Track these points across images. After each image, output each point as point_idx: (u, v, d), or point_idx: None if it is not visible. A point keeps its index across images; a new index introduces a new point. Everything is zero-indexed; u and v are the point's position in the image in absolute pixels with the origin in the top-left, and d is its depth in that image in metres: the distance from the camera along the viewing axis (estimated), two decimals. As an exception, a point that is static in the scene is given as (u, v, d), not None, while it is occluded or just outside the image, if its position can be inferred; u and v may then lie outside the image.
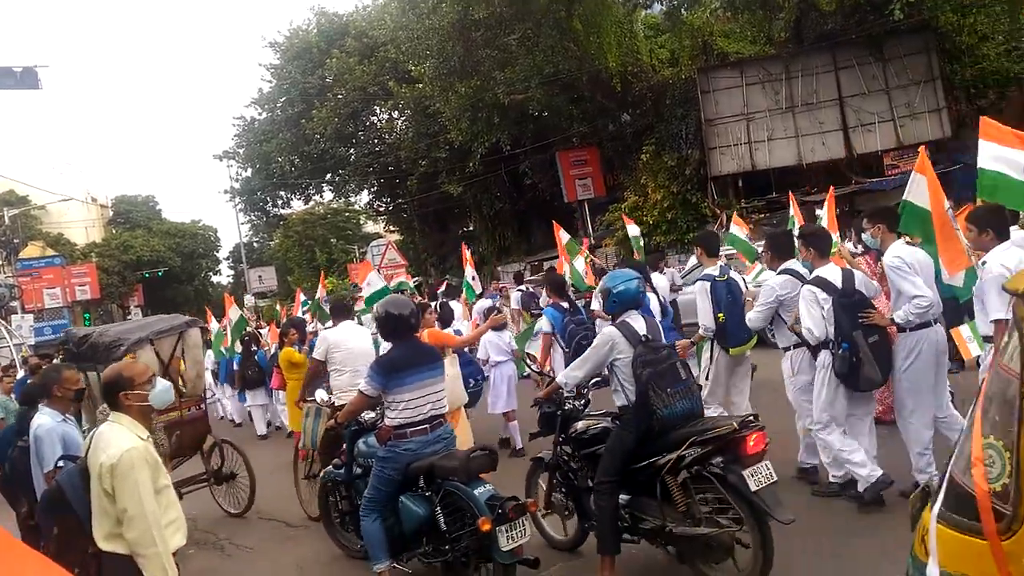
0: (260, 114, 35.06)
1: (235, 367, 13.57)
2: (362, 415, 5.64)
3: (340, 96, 30.77)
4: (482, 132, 24.00)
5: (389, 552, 5.02)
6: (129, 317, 53.78)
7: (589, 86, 23.26)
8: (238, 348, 13.47)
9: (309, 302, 17.63)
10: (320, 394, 6.55)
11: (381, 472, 5.03)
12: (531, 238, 30.03)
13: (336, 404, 6.22)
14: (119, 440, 3.51)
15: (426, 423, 4.97)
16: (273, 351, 12.23)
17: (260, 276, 45.58)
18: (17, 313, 31.01)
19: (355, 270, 38.60)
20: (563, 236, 11.82)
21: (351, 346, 7.15)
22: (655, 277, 9.72)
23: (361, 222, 49.65)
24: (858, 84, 19.85)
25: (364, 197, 38.59)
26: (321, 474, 6.26)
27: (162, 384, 3.86)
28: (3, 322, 27.28)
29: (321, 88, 31.39)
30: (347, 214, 47.98)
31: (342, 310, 7.73)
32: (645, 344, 4.72)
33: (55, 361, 9.46)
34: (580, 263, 11.71)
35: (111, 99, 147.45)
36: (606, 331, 4.93)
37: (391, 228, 41.63)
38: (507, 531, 4.45)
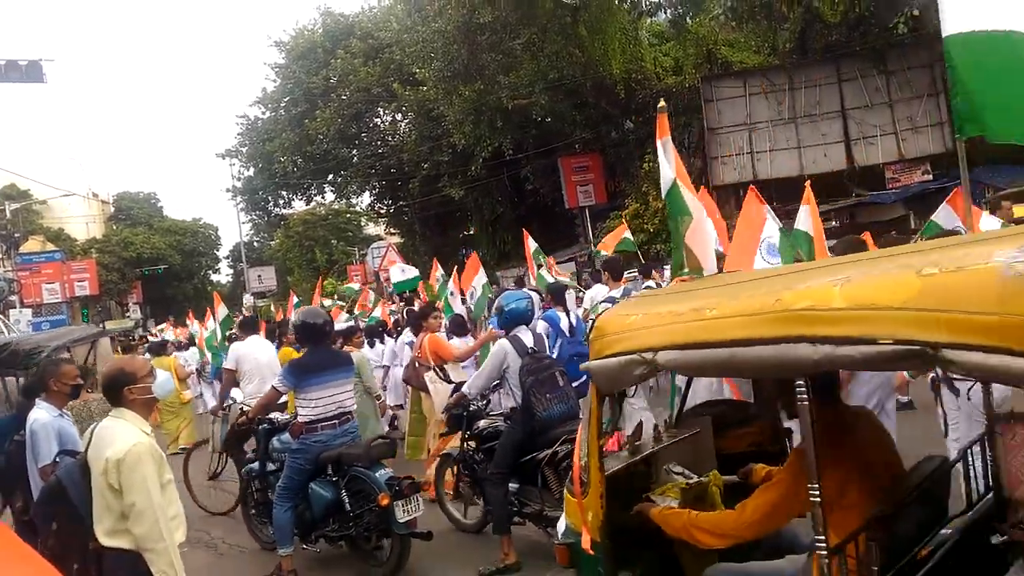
0: (264, 113, 35.15)
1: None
2: (276, 417, 6.41)
3: (344, 97, 30.83)
4: (485, 136, 24.04)
5: (292, 540, 5.81)
6: (128, 314, 53.79)
7: (593, 92, 23.30)
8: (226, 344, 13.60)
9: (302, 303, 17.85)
10: (236, 393, 7.82)
11: (294, 463, 5.75)
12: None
13: (245, 408, 6.98)
14: (124, 435, 3.52)
15: (335, 419, 5.75)
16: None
17: (259, 276, 45.63)
18: (15, 307, 30.99)
19: (355, 271, 38.70)
20: (531, 244, 12.13)
21: (258, 357, 8.11)
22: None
23: (362, 224, 49.67)
24: (861, 96, 19.87)
25: (366, 199, 38.65)
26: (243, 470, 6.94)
27: (162, 375, 3.89)
28: (1, 316, 27.26)
29: (325, 88, 31.45)
30: (348, 215, 48.00)
31: (250, 325, 8.92)
32: (531, 356, 5.53)
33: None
34: (546, 272, 12.09)
35: (115, 95, 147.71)
36: (500, 343, 5.78)
37: (392, 230, 41.66)
38: (403, 505, 5.29)
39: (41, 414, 5.17)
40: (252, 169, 35.90)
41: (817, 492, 2.17)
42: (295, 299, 18.93)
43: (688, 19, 22.60)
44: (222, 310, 15.20)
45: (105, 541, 3.47)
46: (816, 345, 1.99)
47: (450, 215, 33.66)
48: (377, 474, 5.50)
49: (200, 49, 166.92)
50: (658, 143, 5.07)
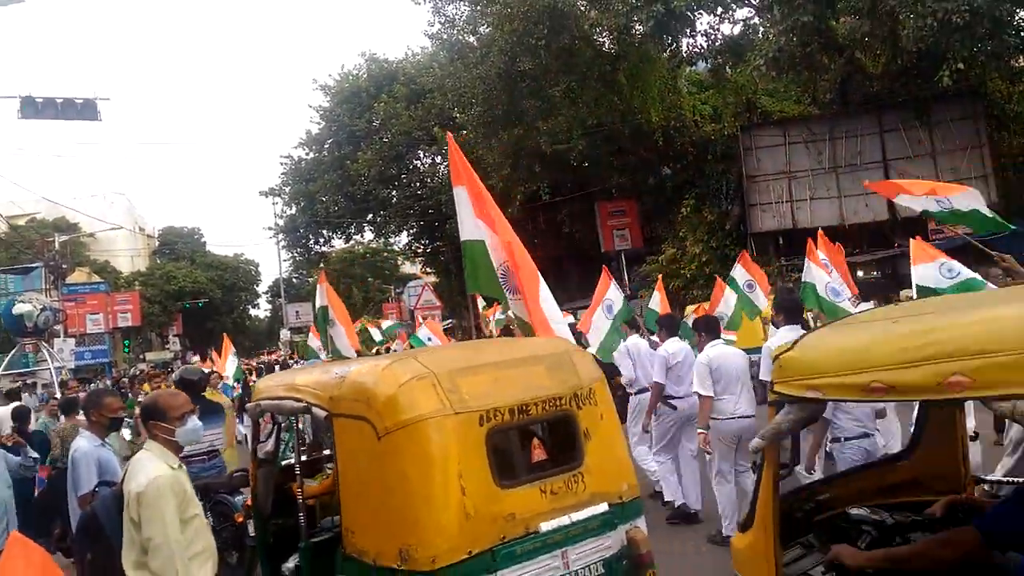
0: (307, 154, 35.85)
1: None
2: None
3: (386, 139, 31.39)
4: (523, 179, 24.25)
5: None
6: (167, 346, 54.62)
7: (631, 139, 23.44)
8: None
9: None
10: (124, 432, 8.71)
11: None
12: (567, 286, 30.02)
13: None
14: (148, 468, 3.53)
15: (205, 455, 7.17)
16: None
17: (297, 312, 46.10)
18: (59, 336, 31.63)
19: (390, 309, 38.94)
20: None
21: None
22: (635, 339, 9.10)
23: (399, 263, 50.12)
24: (903, 147, 19.72)
25: (403, 238, 39.04)
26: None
27: (193, 423, 3.84)
28: (45, 344, 27.84)
29: (368, 131, 32.06)
30: (386, 254, 48.49)
31: (69, 407, 9.36)
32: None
33: (95, 386, 9.71)
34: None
35: (165, 133, 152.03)
36: None
37: (428, 270, 41.95)
38: (254, 523, 5.53)
39: (83, 443, 5.25)
40: (294, 207, 36.53)
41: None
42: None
43: (728, 69, 22.73)
44: (231, 364, 15.77)
45: (131, 574, 3.47)
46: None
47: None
48: (236, 499, 6.80)
49: (248, 91, 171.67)
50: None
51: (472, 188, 6.02)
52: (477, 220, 5.80)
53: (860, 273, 19.72)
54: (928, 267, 7.14)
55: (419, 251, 39.48)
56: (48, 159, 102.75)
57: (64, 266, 40.00)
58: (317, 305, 11.34)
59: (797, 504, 3.31)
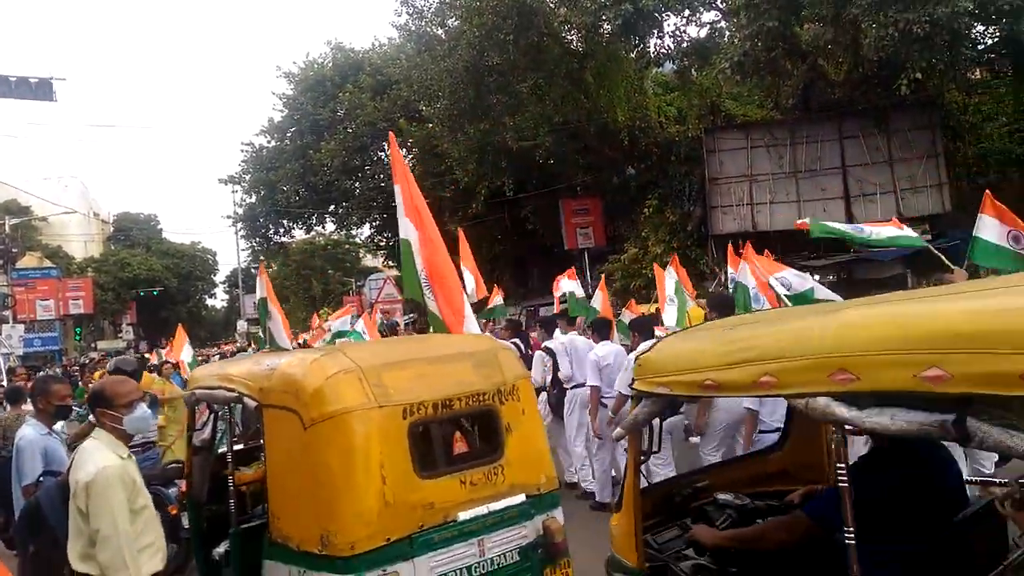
0: (269, 142, 35.38)
1: None
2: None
3: (350, 130, 31.10)
4: (487, 175, 24.20)
5: None
6: (120, 335, 53.53)
7: (596, 137, 23.54)
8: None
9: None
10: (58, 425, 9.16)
11: None
12: (528, 283, 30.08)
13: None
14: (96, 458, 3.42)
15: (140, 446, 7.22)
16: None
17: (255, 302, 45.53)
18: (8, 323, 30.81)
19: (351, 302, 38.65)
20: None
21: None
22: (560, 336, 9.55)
23: (361, 255, 49.75)
24: (862, 154, 20.09)
25: (365, 231, 38.75)
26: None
27: (141, 410, 3.73)
28: (-7, 330, 27.11)
29: (332, 121, 31.73)
30: (347, 246, 48.09)
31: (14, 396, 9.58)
32: None
33: (44, 374, 9.49)
34: None
35: (122, 115, 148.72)
36: None
37: (390, 263, 41.71)
38: (188, 511, 5.61)
39: (28, 431, 5.10)
40: (254, 196, 36.03)
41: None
42: None
43: (694, 71, 22.93)
44: (187, 352, 15.47)
45: (77, 566, 3.36)
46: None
47: (449, 251, 33.69)
48: (170, 491, 6.79)
49: (208, 76, 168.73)
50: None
51: (405, 187, 6.26)
52: (406, 218, 6.05)
53: (817, 277, 20.01)
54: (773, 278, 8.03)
55: (381, 244, 39.23)
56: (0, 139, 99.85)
57: (14, 250, 38.97)
58: (257, 297, 11.48)
59: (677, 490, 3.71)
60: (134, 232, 58.88)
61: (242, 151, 36.40)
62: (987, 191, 8.62)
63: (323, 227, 39.58)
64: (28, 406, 8.75)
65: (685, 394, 2.82)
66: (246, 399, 4.07)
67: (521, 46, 20.67)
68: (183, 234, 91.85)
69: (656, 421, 2.99)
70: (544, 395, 8.62)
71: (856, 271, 19.07)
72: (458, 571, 3.80)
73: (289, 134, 34.07)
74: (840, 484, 2.30)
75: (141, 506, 3.50)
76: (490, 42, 20.56)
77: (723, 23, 21.38)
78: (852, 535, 2.27)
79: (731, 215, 20.89)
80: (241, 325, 44.33)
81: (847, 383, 2.12)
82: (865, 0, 15.17)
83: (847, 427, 2.20)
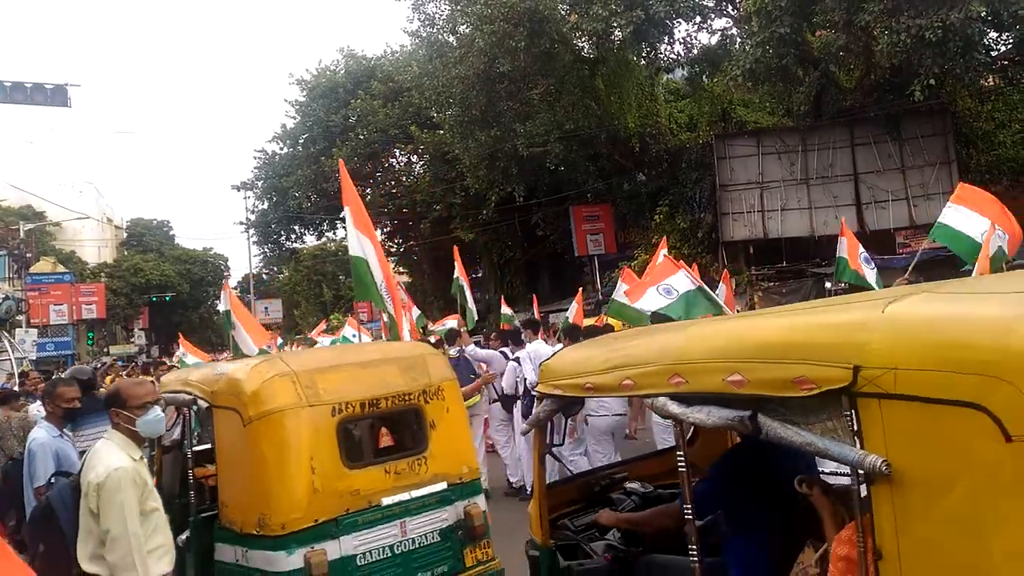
0: (282, 149, 35.52)
1: None
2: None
3: (362, 137, 31.20)
4: (498, 181, 24.23)
5: None
6: (132, 340, 53.82)
7: (607, 144, 23.54)
8: None
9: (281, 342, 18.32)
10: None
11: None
12: (538, 289, 30.07)
13: None
14: (108, 459, 3.43)
15: None
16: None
17: (267, 308, 45.74)
18: (21, 327, 31.03)
19: (361, 308, 38.70)
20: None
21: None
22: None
23: (371, 262, 49.87)
24: (874, 161, 20.01)
25: (377, 236, 38.84)
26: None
27: (155, 413, 3.72)
28: (6, 335, 27.30)
29: (344, 128, 31.84)
30: (358, 253, 48.19)
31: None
32: None
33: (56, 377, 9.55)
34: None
35: (136, 122, 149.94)
36: None
37: (400, 269, 41.78)
38: None
39: (40, 434, 5.15)
40: (267, 203, 36.18)
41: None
42: (279, 340, 19.27)
43: (705, 78, 22.92)
44: (189, 359, 15.71)
45: (86, 566, 3.37)
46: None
47: (460, 257, 33.72)
48: None
49: (221, 83, 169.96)
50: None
51: (355, 208, 7.01)
52: (361, 236, 6.75)
53: (828, 285, 19.96)
54: (650, 291, 8.51)
55: (392, 250, 39.30)
56: (14, 145, 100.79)
57: (29, 255, 39.28)
58: (221, 310, 12.45)
59: (597, 480, 4.18)
60: (147, 238, 59.20)
61: (255, 158, 36.59)
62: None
63: (334, 233, 39.70)
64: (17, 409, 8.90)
65: (573, 395, 3.18)
66: (200, 401, 4.59)
67: (532, 53, 20.71)
68: (196, 240, 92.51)
69: (562, 418, 3.52)
70: (519, 403, 9.00)
71: (868, 278, 18.95)
72: (380, 549, 4.34)
73: (301, 141, 34.20)
74: (680, 469, 2.78)
75: (151, 508, 3.52)
76: (501, 49, 20.61)
77: (734, 30, 21.38)
78: (689, 512, 2.76)
79: (742, 222, 20.83)
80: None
81: (679, 385, 2.58)
82: (877, 6, 15.12)
83: (680, 420, 2.64)
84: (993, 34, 17.67)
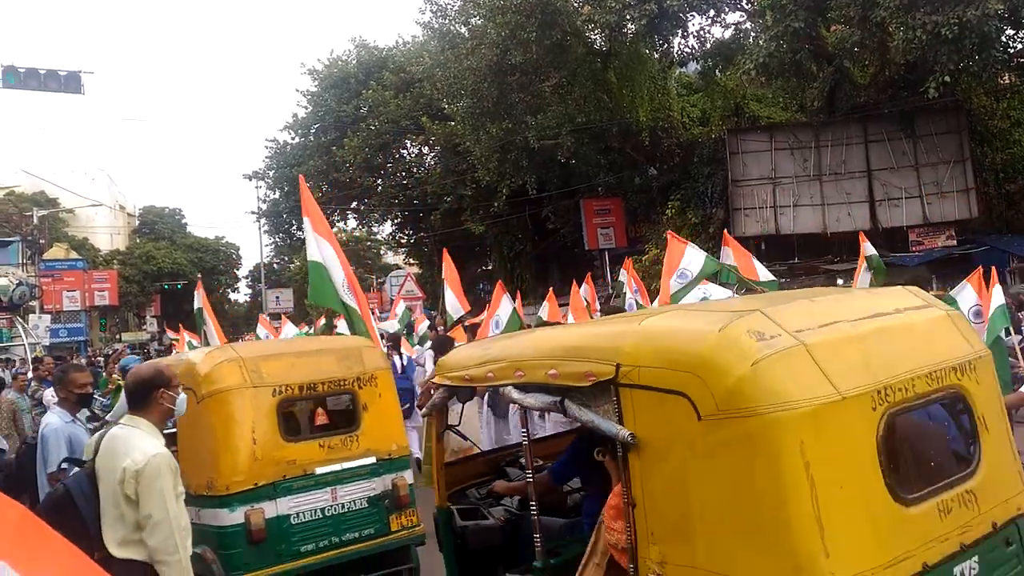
0: (293, 139, 35.59)
1: None
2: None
3: (373, 127, 31.22)
4: (509, 173, 24.21)
5: None
6: (144, 327, 54.12)
7: (619, 138, 23.48)
8: None
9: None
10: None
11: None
12: (549, 282, 30.06)
13: None
14: (144, 445, 3.48)
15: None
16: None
17: (277, 297, 45.79)
18: (35, 313, 31.24)
19: (372, 299, 38.79)
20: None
21: None
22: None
23: (382, 252, 49.93)
24: (887, 158, 19.89)
25: (387, 228, 38.85)
26: None
27: (183, 394, 3.86)
28: (20, 320, 27.51)
29: (355, 118, 31.87)
30: (369, 243, 48.28)
31: None
32: None
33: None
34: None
35: (149, 110, 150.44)
36: None
37: (411, 261, 41.81)
38: None
39: (53, 419, 5.17)
40: (278, 192, 36.27)
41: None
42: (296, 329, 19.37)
43: (718, 72, 22.80)
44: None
45: (116, 552, 3.40)
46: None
47: (470, 249, 33.74)
48: None
49: (234, 72, 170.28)
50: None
51: (315, 217, 7.48)
52: (320, 241, 7.16)
53: (840, 281, 19.87)
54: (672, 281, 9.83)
55: (402, 241, 39.34)
56: (28, 131, 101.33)
57: (42, 241, 39.49)
58: (195, 307, 13.13)
59: (501, 457, 4.80)
60: (159, 226, 59.36)
61: (266, 147, 36.67)
62: None
63: (345, 223, 39.77)
64: (10, 395, 9.00)
65: (458, 384, 3.69)
66: None
67: (544, 45, 20.66)
68: (208, 228, 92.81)
69: (459, 404, 4.03)
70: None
71: (879, 276, 18.86)
72: (312, 511, 5.08)
73: (313, 130, 34.26)
74: (523, 443, 3.42)
75: (180, 492, 3.59)
76: (513, 41, 20.57)
77: (748, 24, 21.25)
78: (531, 475, 3.46)
79: (754, 217, 20.75)
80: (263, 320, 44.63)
81: (520, 378, 3.17)
82: (893, 2, 15.00)
83: (520, 404, 3.21)
84: (1010, 31, 17.52)
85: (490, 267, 34.35)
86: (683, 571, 2.50)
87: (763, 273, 11.02)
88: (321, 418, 5.95)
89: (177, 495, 3.53)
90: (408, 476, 5.54)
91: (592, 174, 25.48)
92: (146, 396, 3.65)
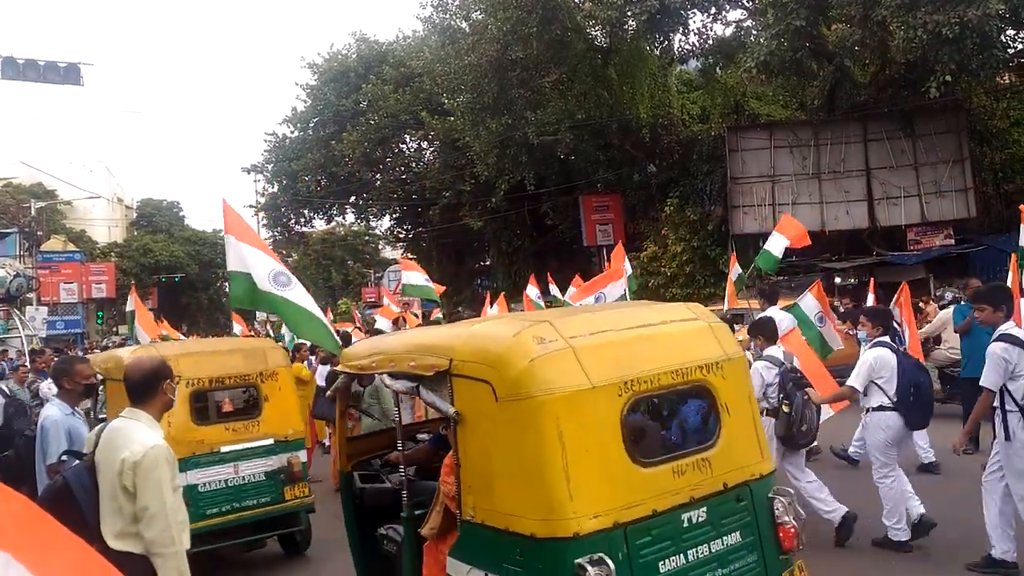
0: (292, 132, 35.51)
1: None
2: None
3: (372, 121, 31.17)
4: (508, 169, 24.19)
5: None
6: (141, 319, 53.95)
7: (618, 134, 23.48)
8: None
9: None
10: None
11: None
12: (545, 277, 30.06)
13: None
14: (143, 437, 3.48)
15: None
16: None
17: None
18: (32, 304, 31.18)
19: (369, 293, 38.77)
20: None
21: None
22: None
23: (380, 247, 49.91)
24: (886, 157, 19.89)
25: (385, 222, 38.85)
26: None
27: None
28: (17, 312, 27.45)
29: (354, 112, 31.82)
30: (367, 238, 48.24)
31: None
32: None
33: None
34: None
35: (147, 102, 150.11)
36: None
37: (409, 256, 41.75)
38: None
39: (53, 411, 5.17)
40: (276, 186, 36.19)
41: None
42: None
43: (718, 69, 22.79)
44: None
45: (113, 544, 3.40)
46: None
47: (468, 244, 33.73)
48: None
49: (233, 65, 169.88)
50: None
51: (238, 231, 7.64)
52: (243, 250, 7.33)
53: (838, 280, 19.91)
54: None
55: (401, 236, 39.31)
56: (26, 122, 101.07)
57: (39, 233, 39.42)
58: (127, 310, 14.43)
59: (412, 432, 5.28)
60: (157, 218, 59.22)
61: (265, 141, 36.57)
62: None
63: (343, 218, 39.73)
64: (10, 385, 9.05)
65: (354, 372, 4.39)
66: (100, 375, 6.24)
67: (545, 41, 20.64)
68: (206, 221, 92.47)
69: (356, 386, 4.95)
70: None
71: (878, 274, 18.89)
72: (217, 482, 6.21)
73: (312, 124, 34.18)
74: (393, 420, 4.33)
75: (177, 485, 3.59)
76: (514, 36, 20.54)
77: (749, 22, 21.24)
78: (409, 447, 4.35)
79: (752, 215, 20.76)
80: (260, 313, 44.59)
81: (393, 367, 3.82)
82: (894, 1, 14.99)
83: (391, 388, 3.82)
84: (1011, 31, 17.52)
85: (488, 263, 34.33)
86: (488, 513, 3.21)
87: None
88: (228, 406, 7.45)
89: (174, 488, 3.52)
90: (302, 455, 6.71)
91: (591, 170, 25.47)
92: (152, 388, 3.66)
